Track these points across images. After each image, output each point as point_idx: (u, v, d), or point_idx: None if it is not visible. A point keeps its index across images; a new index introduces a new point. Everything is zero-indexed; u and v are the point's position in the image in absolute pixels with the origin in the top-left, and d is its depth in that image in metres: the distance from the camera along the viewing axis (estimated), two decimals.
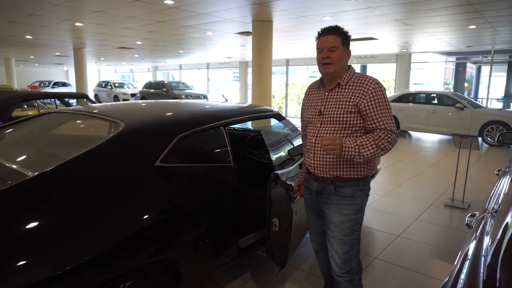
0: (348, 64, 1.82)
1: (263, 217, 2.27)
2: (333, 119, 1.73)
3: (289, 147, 2.58)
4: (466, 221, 1.61)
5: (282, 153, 2.48)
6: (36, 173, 1.57)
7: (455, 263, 1.11)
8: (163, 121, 2.08)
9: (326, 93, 1.80)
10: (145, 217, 1.66)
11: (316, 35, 1.79)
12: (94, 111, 2.29)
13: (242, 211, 2.23)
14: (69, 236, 1.43)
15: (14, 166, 1.75)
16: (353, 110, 1.70)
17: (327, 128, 1.75)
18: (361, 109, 1.69)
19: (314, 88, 1.92)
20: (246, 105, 2.92)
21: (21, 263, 1.28)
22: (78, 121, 2.32)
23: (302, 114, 2.01)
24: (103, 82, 19.78)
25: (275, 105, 18.59)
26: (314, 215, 1.98)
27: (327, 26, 1.76)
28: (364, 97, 1.68)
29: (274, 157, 2.30)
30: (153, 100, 3.00)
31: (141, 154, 1.81)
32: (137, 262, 1.60)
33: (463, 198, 4.25)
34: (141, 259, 1.61)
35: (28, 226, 1.39)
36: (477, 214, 1.64)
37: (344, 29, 1.75)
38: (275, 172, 2.12)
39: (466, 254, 1.09)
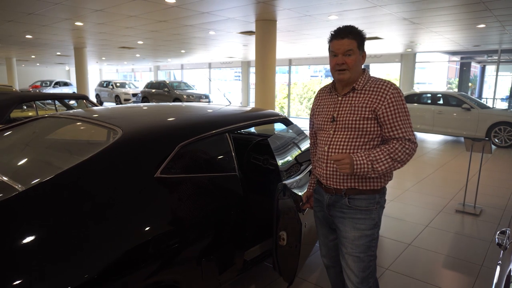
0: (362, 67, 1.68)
1: (270, 226, 2.13)
2: (347, 125, 1.60)
3: (298, 153, 2.44)
4: (496, 240, 1.47)
5: (291, 161, 2.34)
6: (25, 187, 1.44)
7: (494, 281, 1.07)
8: (163, 128, 1.94)
9: (340, 98, 1.67)
10: (145, 233, 1.52)
11: (329, 37, 1.65)
12: (92, 116, 2.15)
13: (248, 221, 2.09)
14: (60, 257, 1.29)
15: (4, 178, 1.62)
16: (370, 116, 1.56)
17: (341, 136, 1.62)
18: (378, 115, 1.56)
19: (326, 93, 1.78)
20: (251, 108, 2.78)
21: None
22: (74, 127, 2.18)
23: (311, 120, 1.87)
24: (105, 81, 19.68)
25: (277, 104, 18.45)
26: (325, 229, 1.85)
27: (341, 26, 1.62)
28: (382, 102, 1.55)
29: (282, 164, 2.16)
30: (154, 103, 2.86)
31: (140, 165, 1.68)
32: (136, 283, 1.46)
33: (475, 203, 4.11)
34: (140, 280, 1.48)
35: (13, 246, 1.25)
36: (508, 232, 1.50)
37: (359, 29, 1.61)
38: (283, 182, 1.98)
39: (510, 276, 1.05)
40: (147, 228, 1.54)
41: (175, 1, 5.86)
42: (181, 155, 1.84)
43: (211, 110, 2.46)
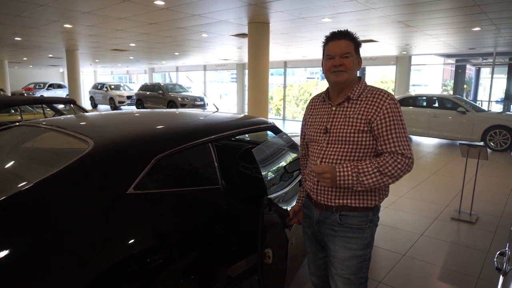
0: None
1: (256, 240, 2.01)
2: (341, 138, 1.48)
3: (286, 164, 2.32)
4: (495, 264, 1.35)
5: (277, 172, 2.21)
6: None
7: None
8: (139, 139, 1.81)
9: (334, 108, 1.55)
10: (116, 255, 1.39)
11: (324, 40, 1.54)
12: (64, 125, 2.01)
13: (233, 235, 1.97)
14: (22, 284, 1.16)
15: None
16: (365, 128, 1.45)
17: (334, 149, 1.50)
18: (372, 127, 1.45)
19: (319, 101, 1.66)
20: (238, 116, 2.65)
21: None
22: (44, 137, 2.04)
23: (302, 131, 1.75)
24: (99, 84, 19.50)
25: (273, 106, 18.35)
26: (314, 246, 1.73)
27: (336, 30, 1.52)
28: (378, 114, 1.44)
29: (268, 177, 2.04)
30: (136, 110, 2.73)
31: (110, 180, 1.54)
32: None
33: (471, 210, 4.01)
34: None
35: None
36: (508, 253, 1.38)
37: (355, 34, 1.52)
38: (268, 196, 1.85)
39: None
40: (117, 250, 1.41)
41: (164, 3, 5.73)
42: (158, 169, 1.71)
43: (194, 118, 2.33)
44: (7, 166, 1.86)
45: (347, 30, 1.51)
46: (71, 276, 1.27)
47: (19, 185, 1.45)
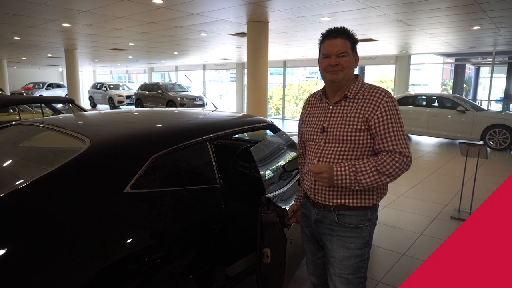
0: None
1: (254, 240, 2.00)
2: (338, 137, 1.47)
3: (284, 163, 2.30)
4: None
5: (276, 171, 2.20)
6: None
7: None
8: (136, 138, 1.79)
9: (331, 107, 1.53)
10: (111, 255, 1.38)
11: (320, 38, 1.52)
12: (61, 124, 2.00)
13: (230, 235, 1.95)
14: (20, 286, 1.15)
15: None
16: (362, 127, 1.43)
17: (332, 148, 1.49)
18: (370, 126, 1.43)
19: (316, 100, 1.64)
20: (237, 115, 2.64)
21: None
22: (41, 136, 2.02)
23: (299, 130, 1.74)
24: (98, 83, 19.48)
25: (273, 106, 18.33)
26: (312, 245, 1.72)
27: (333, 27, 1.50)
28: (375, 112, 1.42)
29: (266, 176, 2.03)
30: (134, 109, 2.72)
31: (106, 179, 1.53)
32: None
33: (471, 209, 4.00)
34: None
35: None
36: None
37: (351, 32, 1.49)
38: (267, 195, 1.84)
39: None
40: (114, 249, 1.39)
41: (162, 2, 5.71)
42: (156, 168, 1.69)
43: (192, 117, 2.32)
44: (3, 165, 1.84)
45: (343, 28, 1.49)
46: (67, 275, 1.25)
47: (15, 184, 1.43)
